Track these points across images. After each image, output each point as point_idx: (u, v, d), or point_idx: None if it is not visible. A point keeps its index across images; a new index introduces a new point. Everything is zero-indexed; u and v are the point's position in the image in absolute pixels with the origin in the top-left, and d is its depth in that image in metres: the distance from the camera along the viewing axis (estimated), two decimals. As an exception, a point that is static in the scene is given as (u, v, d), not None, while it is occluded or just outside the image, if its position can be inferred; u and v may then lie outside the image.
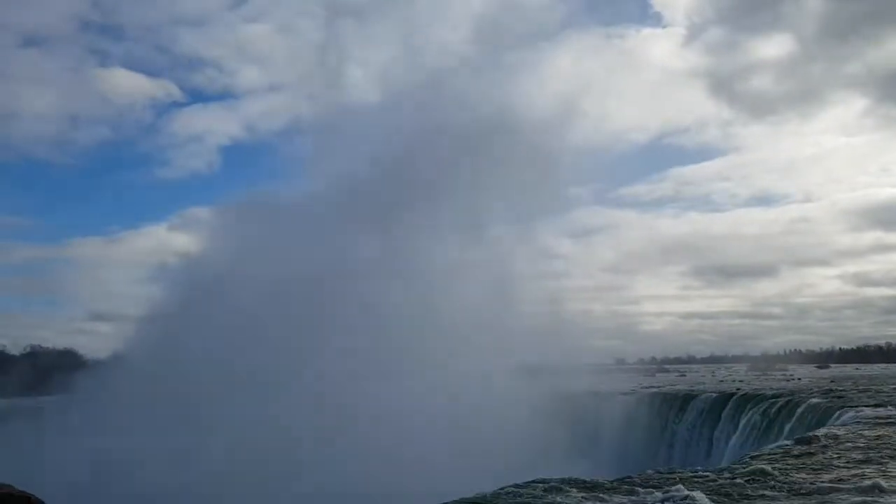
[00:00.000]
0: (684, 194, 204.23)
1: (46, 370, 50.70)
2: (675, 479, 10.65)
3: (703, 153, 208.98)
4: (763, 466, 11.91)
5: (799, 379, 63.11)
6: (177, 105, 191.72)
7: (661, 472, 11.10)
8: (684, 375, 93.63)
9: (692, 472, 11.53)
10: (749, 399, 40.30)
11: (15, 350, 69.15)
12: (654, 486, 9.95)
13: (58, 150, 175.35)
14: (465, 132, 56.08)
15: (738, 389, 46.99)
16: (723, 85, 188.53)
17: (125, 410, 42.12)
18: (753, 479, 10.75)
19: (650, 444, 45.19)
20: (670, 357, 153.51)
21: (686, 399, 46.77)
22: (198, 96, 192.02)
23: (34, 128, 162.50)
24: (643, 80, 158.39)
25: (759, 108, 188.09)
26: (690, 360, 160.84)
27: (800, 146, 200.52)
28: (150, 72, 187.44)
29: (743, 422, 37.41)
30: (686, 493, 8.61)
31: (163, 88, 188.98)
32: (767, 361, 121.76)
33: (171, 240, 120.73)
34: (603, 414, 49.87)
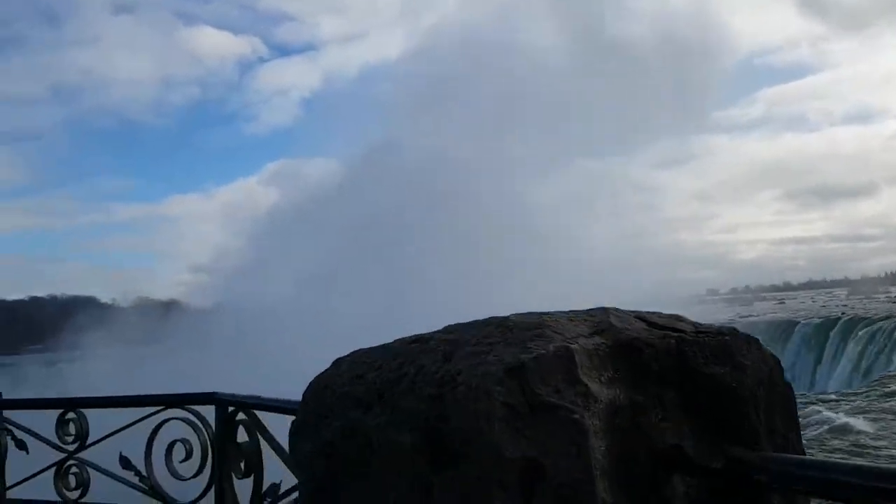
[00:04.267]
0: (776, 115, 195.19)
1: (154, 321, 53.19)
2: (812, 401, 10.13)
3: (795, 72, 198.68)
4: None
5: (907, 300, 60.28)
6: (262, 60, 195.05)
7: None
8: (783, 303, 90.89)
9: (824, 395, 10.99)
10: (856, 323, 38.80)
11: (125, 303, 72.78)
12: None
13: (152, 112, 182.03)
14: (551, 63, 54.61)
15: (843, 314, 45.42)
16: (813, 0, 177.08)
17: (227, 355, 43.61)
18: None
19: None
20: (765, 285, 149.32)
21: (789, 326, 45.51)
22: (281, 50, 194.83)
23: (130, 92, 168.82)
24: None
25: (853, 21, 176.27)
26: (786, 287, 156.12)
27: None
28: (236, 29, 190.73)
29: (851, 346, 36.13)
30: (833, 415, 8.14)
31: (249, 45, 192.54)
32: (869, 284, 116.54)
33: (261, 192, 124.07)
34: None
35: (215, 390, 2.53)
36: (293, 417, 2.30)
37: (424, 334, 1.44)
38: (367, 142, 57.12)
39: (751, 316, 61.35)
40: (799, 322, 45.48)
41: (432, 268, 42.99)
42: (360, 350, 1.58)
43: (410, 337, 1.46)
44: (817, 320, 44.27)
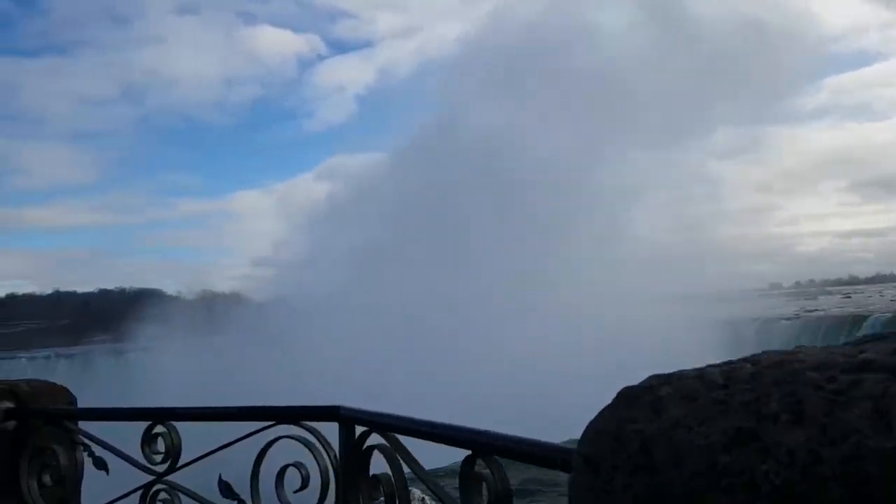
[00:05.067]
0: (841, 104, 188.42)
1: (218, 313, 54.43)
2: None
3: (861, 59, 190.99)
4: None
5: None
6: (320, 58, 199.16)
7: None
8: (849, 297, 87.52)
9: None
10: (931, 317, 37.16)
11: (190, 295, 74.85)
12: None
13: (216, 110, 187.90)
14: (610, 50, 53.41)
15: (918, 308, 43.72)
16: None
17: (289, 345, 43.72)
18: None
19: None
20: (829, 279, 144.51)
21: (857, 320, 43.78)
22: (339, 47, 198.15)
23: (194, 91, 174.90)
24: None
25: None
26: (852, 280, 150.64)
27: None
28: (295, 27, 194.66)
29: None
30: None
31: (308, 43, 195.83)
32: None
33: (317, 188, 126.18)
34: (767, 340, 47.09)
35: (338, 403, 2.00)
36: (451, 448, 1.77)
37: (836, 355, 0.70)
38: (421, 135, 56.94)
39: (816, 310, 59.27)
40: (868, 316, 43.83)
41: (486, 262, 42.44)
42: (671, 377, 0.84)
43: (809, 358, 0.73)
44: (888, 314, 42.42)
